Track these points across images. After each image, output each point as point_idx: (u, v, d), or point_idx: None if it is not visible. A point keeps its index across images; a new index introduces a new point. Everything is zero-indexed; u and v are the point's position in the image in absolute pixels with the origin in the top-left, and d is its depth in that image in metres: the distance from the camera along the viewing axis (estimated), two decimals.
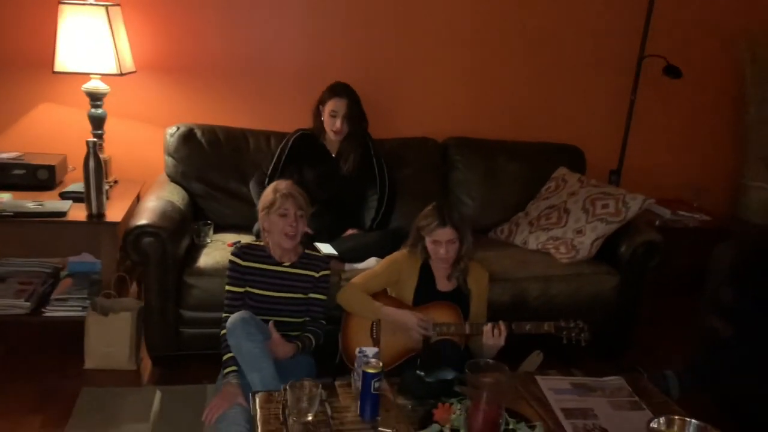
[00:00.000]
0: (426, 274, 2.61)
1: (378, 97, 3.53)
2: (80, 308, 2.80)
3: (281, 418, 1.82)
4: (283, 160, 3.11)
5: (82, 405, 2.45)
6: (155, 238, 2.60)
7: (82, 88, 3.06)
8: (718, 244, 2.71)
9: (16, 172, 2.99)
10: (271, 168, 3.11)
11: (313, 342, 2.48)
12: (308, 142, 3.14)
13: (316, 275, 2.55)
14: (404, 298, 2.60)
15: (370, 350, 1.97)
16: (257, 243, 2.55)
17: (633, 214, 3.06)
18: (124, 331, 2.68)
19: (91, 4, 2.93)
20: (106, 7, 2.93)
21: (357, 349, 1.97)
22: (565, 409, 1.98)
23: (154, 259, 2.61)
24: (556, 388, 2.11)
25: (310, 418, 1.82)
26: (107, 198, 2.96)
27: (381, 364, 1.86)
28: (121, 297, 2.80)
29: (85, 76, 3.04)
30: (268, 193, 2.48)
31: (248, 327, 2.26)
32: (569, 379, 2.17)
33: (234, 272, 2.49)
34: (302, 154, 3.13)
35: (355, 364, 1.94)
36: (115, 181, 3.23)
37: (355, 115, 3.06)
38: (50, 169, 3.01)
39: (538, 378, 2.15)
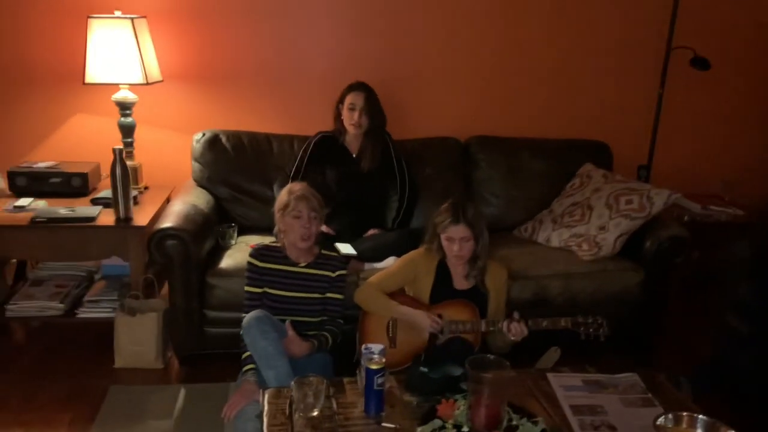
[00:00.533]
0: (443, 272, 2.61)
1: (401, 99, 3.57)
2: (111, 309, 2.91)
3: (287, 412, 1.86)
4: (305, 161, 3.18)
5: (110, 402, 2.55)
6: (178, 240, 2.68)
7: (112, 98, 3.18)
8: (736, 238, 2.63)
9: (53, 180, 3.13)
10: (293, 170, 3.17)
11: (330, 341, 2.51)
12: (329, 143, 3.19)
13: (333, 275, 2.59)
14: (421, 296, 2.61)
15: (376, 347, 1.99)
16: (275, 244, 2.61)
17: (658, 210, 3.00)
18: (150, 331, 2.78)
19: (117, 17, 3.05)
20: (132, 19, 3.04)
21: (363, 346, 2.00)
22: (574, 405, 1.96)
23: (177, 260, 2.70)
24: (567, 384, 2.08)
25: (315, 413, 1.86)
26: (137, 203, 3.09)
27: (384, 360, 1.88)
28: (149, 298, 2.89)
29: (115, 86, 3.16)
30: (283, 195, 2.54)
31: (263, 325, 2.32)
32: (581, 375, 2.14)
33: (252, 273, 2.55)
34: (323, 155, 3.18)
35: (361, 361, 1.97)
36: (146, 188, 3.35)
37: (373, 108, 3.11)
38: (83, 176, 3.14)
39: (549, 375, 2.13)
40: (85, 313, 2.94)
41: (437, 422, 1.77)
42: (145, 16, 3.20)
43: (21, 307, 2.91)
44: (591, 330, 2.41)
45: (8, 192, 3.11)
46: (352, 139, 3.17)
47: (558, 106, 3.68)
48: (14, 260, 3.29)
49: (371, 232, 3.11)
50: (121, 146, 2.85)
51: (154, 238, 2.68)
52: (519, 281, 2.87)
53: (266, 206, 3.23)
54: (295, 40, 3.44)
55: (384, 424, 1.83)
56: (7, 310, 2.91)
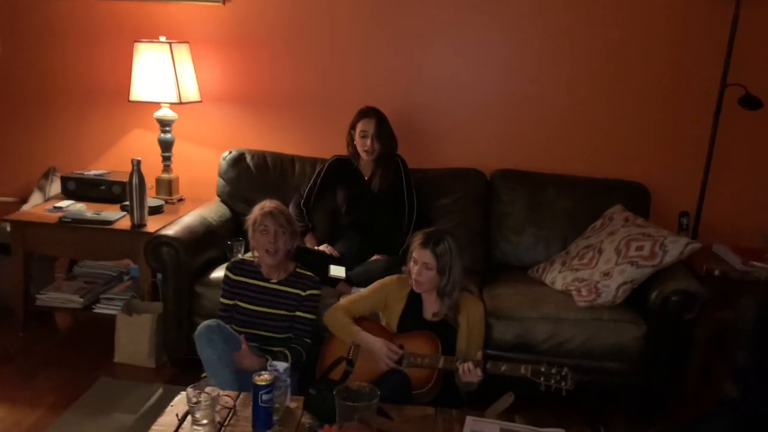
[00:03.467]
0: (414, 301, 2.56)
1: (426, 128, 3.57)
2: (120, 308, 3.14)
3: (179, 415, 1.92)
4: (318, 183, 3.26)
5: (92, 392, 2.76)
6: (171, 248, 2.86)
7: (153, 115, 3.47)
8: (742, 297, 2.30)
9: (97, 187, 3.47)
10: (306, 190, 3.27)
11: (290, 358, 2.54)
12: (343, 166, 3.25)
13: (303, 294, 2.62)
14: (390, 323, 2.58)
15: (281, 365, 2.00)
16: (251, 259, 2.69)
17: (672, 259, 2.72)
18: (144, 332, 2.97)
19: (159, 42, 3.34)
20: (171, 44, 3.32)
21: (268, 362, 2.01)
22: None
23: (170, 267, 2.88)
24: (480, 430, 1.95)
25: (205, 422, 1.90)
26: (162, 212, 3.34)
27: (271, 377, 1.88)
28: (154, 301, 3.09)
29: (157, 104, 3.45)
30: (254, 210, 2.62)
31: (211, 334, 2.40)
32: (503, 424, 2.00)
33: (226, 285, 2.66)
34: (337, 178, 3.25)
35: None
36: (180, 199, 3.60)
37: (385, 134, 3.12)
38: (122, 185, 3.44)
39: (469, 418, 2.01)
40: (99, 309, 3.21)
41: None
42: (187, 42, 3.47)
43: (48, 297, 3.24)
44: (552, 381, 2.23)
45: (61, 195, 3.50)
46: (365, 164, 3.21)
47: (598, 144, 3.46)
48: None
49: (376, 257, 3.11)
50: (139, 158, 3.08)
51: (150, 244, 2.87)
52: (502, 321, 2.73)
53: None
54: (324, 68, 3.56)
55: None
56: (37, 299, 3.24)
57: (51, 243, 3.17)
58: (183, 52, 3.41)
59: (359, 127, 3.12)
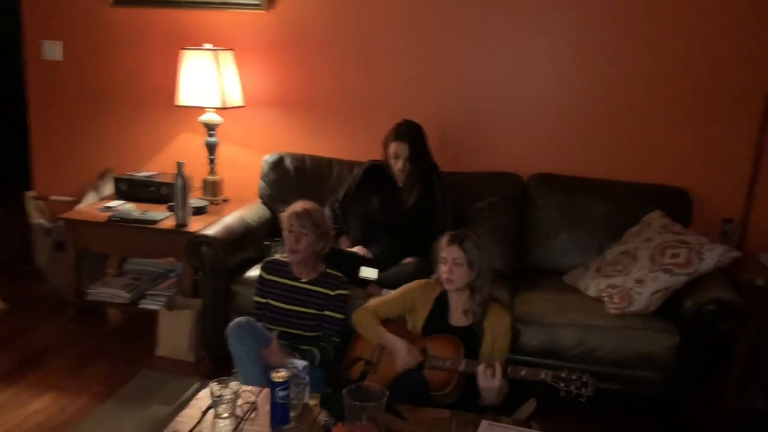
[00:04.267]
0: (441, 305, 2.59)
1: (465, 132, 3.58)
2: (163, 303, 3.28)
3: (202, 407, 2.01)
4: (353, 187, 3.31)
5: (134, 383, 2.90)
6: (210, 247, 2.97)
7: (199, 120, 3.61)
8: None
9: (147, 188, 3.63)
10: (342, 194, 3.33)
11: (317, 357, 2.60)
12: (378, 171, 3.29)
13: (331, 293, 2.68)
14: (416, 327, 2.61)
15: (300, 363, 2.07)
16: (285, 259, 2.77)
17: (708, 268, 2.65)
18: (184, 327, 3.09)
19: (204, 49, 3.47)
20: (215, 51, 3.44)
21: (288, 361, 2.08)
22: None
23: (208, 265, 2.99)
24: None
25: (226, 415, 1.98)
26: (205, 212, 3.47)
27: (288, 375, 1.95)
28: (195, 298, 3.21)
29: (203, 109, 3.58)
30: (286, 211, 2.70)
31: (240, 331, 2.49)
32: (519, 429, 2.00)
33: (259, 284, 2.75)
34: (371, 182, 3.29)
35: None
36: (225, 200, 3.73)
37: (418, 157, 3.12)
38: (170, 186, 3.57)
39: (484, 422, 2.02)
40: (145, 304, 3.36)
41: None
42: (232, 49, 3.59)
43: (98, 292, 3.42)
44: (572, 388, 2.22)
45: (114, 195, 3.68)
46: (401, 174, 3.24)
47: (635, 147, 3.39)
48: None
49: (408, 260, 3.15)
50: (183, 161, 3.22)
51: (190, 243, 2.99)
52: (529, 327, 2.72)
53: None
54: (363, 73, 3.62)
55: None
56: (87, 294, 3.42)
57: (101, 241, 3.34)
58: (227, 59, 3.53)
59: (392, 147, 3.12)
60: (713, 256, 2.65)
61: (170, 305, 3.14)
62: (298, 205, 2.68)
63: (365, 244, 3.23)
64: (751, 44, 3.15)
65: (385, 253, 3.16)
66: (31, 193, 3.97)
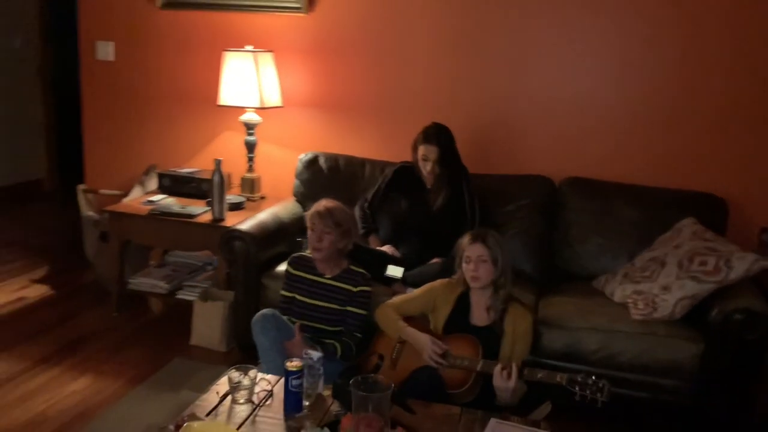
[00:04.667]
0: (462, 304, 2.62)
1: (497, 134, 3.60)
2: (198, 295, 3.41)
3: (219, 393, 2.10)
4: (382, 188, 3.37)
5: (166, 370, 3.03)
6: (242, 241, 3.08)
7: (239, 119, 3.73)
8: None
9: (188, 184, 3.78)
10: (372, 194, 3.39)
11: (338, 351, 2.67)
12: (408, 173, 3.33)
13: (354, 290, 2.75)
14: (437, 326, 2.65)
15: (315, 354, 2.13)
16: (310, 255, 2.85)
17: (737, 276, 2.60)
18: (217, 318, 3.21)
19: (245, 51, 3.59)
20: (255, 52, 3.56)
21: (304, 351, 2.15)
22: None
23: (240, 259, 3.10)
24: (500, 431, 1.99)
25: (242, 401, 2.07)
26: (242, 208, 3.58)
27: (301, 364, 2.02)
28: (228, 290, 3.33)
29: (243, 109, 3.70)
30: (311, 209, 2.78)
31: (265, 322, 2.59)
32: (526, 429, 2.02)
33: (286, 278, 2.84)
34: (401, 184, 3.34)
35: None
36: (262, 197, 3.84)
37: (447, 159, 3.16)
38: (209, 182, 3.70)
39: (493, 420, 2.05)
40: (182, 295, 3.50)
41: (315, 431, 1.85)
42: (272, 51, 3.70)
43: (139, 282, 3.57)
44: (588, 392, 2.21)
45: (157, 190, 3.84)
46: (430, 176, 3.27)
47: (670, 152, 3.35)
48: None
49: (435, 260, 3.18)
50: (220, 158, 3.34)
51: (224, 237, 3.11)
52: (551, 330, 2.72)
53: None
54: (399, 76, 3.68)
55: (288, 422, 1.96)
56: (129, 283, 3.58)
57: (142, 232, 3.50)
58: (267, 60, 3.64)
59: (421, 150, 3.16)
60: (743, 264, 2.59)
61: (204, 297, 3.26)
62: (321, 205, 2.75)
63: (394, 244, 3.28)
64: None
65: (413, 253, 3.20)
66: (82, 187, 4.17)
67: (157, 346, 3.26)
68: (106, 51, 4.16)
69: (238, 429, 1.94)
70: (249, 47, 3.64)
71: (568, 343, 2.71)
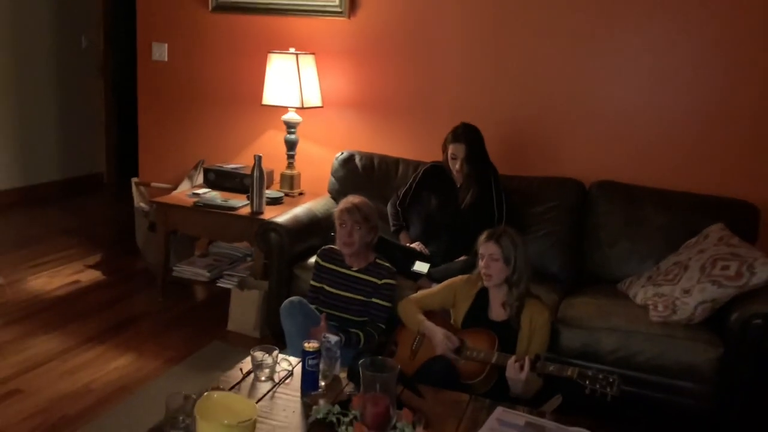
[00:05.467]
0: (481, 300, 2.71)
1: (528, 136, 3.67)
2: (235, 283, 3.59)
3: (243, 371, 2.25)
4: (413, 187, 3.48)
5: (203, 352, 3.22)
6: (277, 234, 3.24)
7: (281, 118, 3.91)
8: None
9: (232, 178, 3.97)
10: (402, 192, 3.50)
11: (362, 340, 2.79)
12: (438, 172, 3.43)
13: (379, 282, 2.87)
14: (457, 320, 2.74)
15: (333, 338, 2.26)
16: (339, 248, 2.98)
17: (760, 282, 2.60)
18: (252, 306, 3.38)
19: (288, 53, 3.76)
20: (297, 54, 3.73)
21: (323, 335, 2.28)
22: None
23: (275, 250, 3.26)
24: (506, 420, 2.07)
25: (263, 378, 2.21)
26: (281, 203, 3.75)
27: (318, 346, 2.15)
28: (264, 280, 3.49)
29: (285, 108, 3.87)
30: (338, 206, 2.91)
31: (292, 309, 2.74)
32: (530, 417, 2.09)
33: (316, 269, 2.99)
34: (431, 182, 3.44)
35: None
36: (301, 193, 4.00)
37: (475, 157, 3.24)
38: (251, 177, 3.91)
39: (499, 408, 2.13)
40: (222, 283, 3.68)
41: (325, 407, 1.97)
42: (313, 53, 3.86)
43: (182, 270, 3.78)
44: (597, 386, 2.27)
45: (203, 184, 4.05)
46: (458, 175, 3.36)
47: (703, 157, 3.35)
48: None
49: (462, 258, 3.27)
50: (260, 154, 3.52)
51: (260, 229, 3.27)
52: (570, 329, 2.78)
53: (381, 220, 3.61)
54: (434, 78, 3.79)
55: (303, 398, 2.10)
56: (174, 271, 3.80)
57: (186, 223, 3.71)
58: (308, 62, 3.80)
59: (450, 149, 3.26)
60: (766, 271, 2.59)
61: (241, 285, 3.44)
62: (349, 201, 2.88)
63: (424, 241, 3.38)
64: None
65: (441, 250, 3.30)
66: (135, 180, 4.43)
67: (196, 330, 3.45)
68: (161, 52, 4.41)
69: (257, 402, 2.08)
70: (292, 49, 3.81)
71: (586, 343, 2.75)
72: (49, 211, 5.49)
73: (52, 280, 3.99)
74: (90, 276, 4.12)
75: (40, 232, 4.92)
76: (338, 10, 3.88)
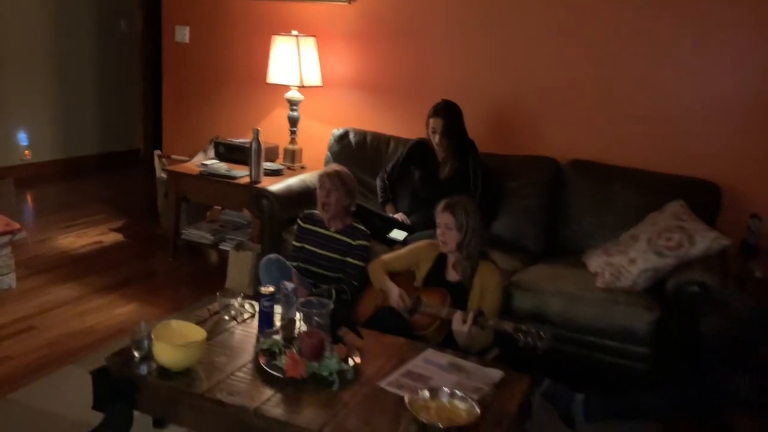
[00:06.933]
0: (440, 263, 2.96)
1: (510, 116, 3.87)
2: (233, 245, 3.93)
3: (210, 310, 2.57)
4: (400, 161, 3.74)
5: (199, 304, 3.50)
6: (268, 200, 3.56)
7: (285, 96, 4.21)
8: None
9: (240, 152, 4.30)
10: (390, 167, 3.76)
11: (333, 294, 3.06)
12: (423, 148, 3.68)
13: (353, 243, 3.15)
14: (419, 280, 3.00)
15: (290, 285, 2.55)
16: (318, 211, 3.27)
17: (698, 252, 2.77)
18: (246, 265, 3.70)
19: (289, 36, 4.06)
20: (297, 37, 4.02)
21: (281, 282, 2.58)
22: (411, 372, 2.22)
23: (267, 215, 3.58)
24: (431, 359, 2.32)
25: (227, 318, 2.53)
26: (281, 175, 4.06)
27: (273, 290, 2.44)
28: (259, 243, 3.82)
29: (287, 87, 4.18)
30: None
31: (270, 265, 3.07)
32: (453, 358, 2.34)
33: (297, 231, 3.29)
34: (416, 157, 3.69)
35: None
36: (302, 167, 4.31)
37: (452, 132, 3.47)
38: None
39: (429, 349, 2.39)
40: (224, 246, 4.04)
41: (272, 341, 2.27)
42: (314, 36, 4.15)
43: (189, 233, 4.16)
44: (529, 339, 2.50)
45: (214, 157, 4.40)
46: (439, 148, 3.60)
47: (674, 140, 3.49)
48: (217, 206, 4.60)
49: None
50: (258, 128, 3.84)
51: (253, 195, 3.59)
52: (521, 292, 3.00)
53: (370, 193, 3.88)
54: (427, 60, 4.04)
55: (260, 337, 2.40)
56: (182, 234, 4.17)
57: (194, 190, 4.07)
58: (309, 44, 4.09)
59: (430, 123, 3.49)
60: (704, 242, 2.76)
61: (238, 247, 3.77)
62: (330, 167, 3.18)
63: (409, 212, 3.64)
64: None
65: (423, 221, 3.55)
66: (157, 152, 4.83)
67: (197, 287, 3.81)
68: (183, 34, 4.78)
69: (218, 336, 2.39)
70: (294, 32, 4.11)
71: (535, 305, 2.96)
72: (86, 182, 5.97)
73: (78, 239, 4.43)
74: (112, 238, 4.54)
75: (76, 200, 5.39)
76: None
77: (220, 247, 4.06)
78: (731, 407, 2.22)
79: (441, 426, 1.80)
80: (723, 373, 2.34)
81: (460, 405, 1.91)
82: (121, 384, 2.10)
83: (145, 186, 5.89)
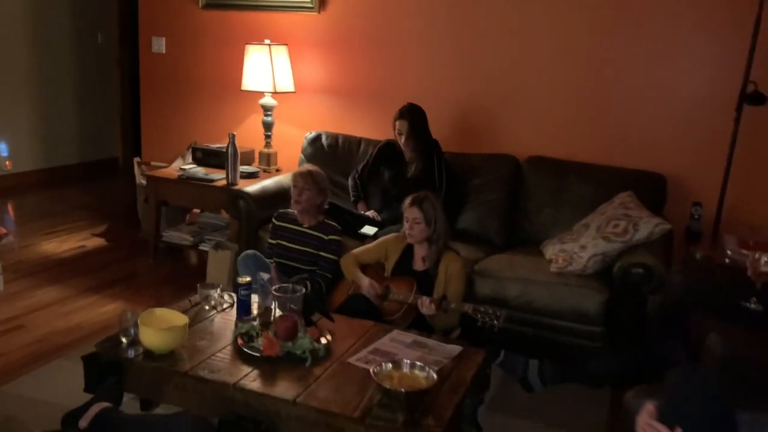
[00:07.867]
0: (407, 254, 3.17)
1: (473, 117, 4.11)
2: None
3: (192, 300, 2.76)
4: (370, 161, 3.95)
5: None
6: (245, 201, 3.75)
7: (259, 102, 4.41)
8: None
9: (217, 156, 4.48)
10: (361, 167, 3.98)
11: (308, 286, 3.26)
12: (391, 149, 3.90)
13: (325, 237, 3.35)
14: (388, 270, 3.21)
15: (266, 276, 2.75)
16: (292, 210, 3.46)
17: (642, 237, 3.02)
18: (225, 264, 3.88)
19: (262, 44, 4.26)
20: (269, 45, 4.22)
21: (259, 273, 2.78)
22: (378, 349, 2.43)
23: (243, 215, 3.77)
24: (397, 338, 2.54)
25: (207, 308, 2.72)
26: (257, 177, 4.25)
27: (250, 280, 2.64)
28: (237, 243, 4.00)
29: (261, 93, 4.38)
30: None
31: (247, 260, 3.27)
32: (417, 337, 2.55)
33: (272, 229, 3.48)
34: (385, 158, 3.90)
35: None
36: (278, 169, 4.50)
37: (417, 133, 3.69)
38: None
39: (395, 330, 2.60)
40: (203, 246, 4.21)
41: (249, 325, 2.46)
42: (286, 44, 4.36)
43: (170, 235, 4.33)
44: (487, 318, 2.74)
45: (192, 162, 4.58)
46: (405, 149, 3.82)
47: (626, 136, 3.75)
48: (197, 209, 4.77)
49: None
50: (234, 133, 4.03)
51: (230, 196, 3.78)
52: (482, 278, 3.22)
53: (343, 192, 4.09)
54: (395, 67, 4.26)
55: (237, 322, 2.59)
56: (162, 236, 4.34)
57: (173, 194, 4.25)
58: (281, 52, 4.29)
59: (396, 125, 3.71)
60: (647, 227, 3.00)
61: (216, 247, 3.95)
62: (303, 167, 3.39)
63: (380, 210, 3.85)
64: (730, 40, 3.42)
65: (392, 217, 3.76)
66: (137, 159, 4.99)
67: (178, 286, 3.97)
68: (160, 45, 4.95)
69: (199, 323, 2.58)
70: (267, 41, 4.31)
71: (494, 290, 3.19)
72: (67, 191, 6.10)
73: (61, 244, 4.57)
74: (95, 242, 4.69)
75: (58, 208, 5.52)
76: (309, 5, 4.36)
77: (200, 247, 4.24)
78: (669, 369, 2.45)
79: (403, 390, 2.00)
80: (662, 340, 2.57)
81: (420, 373, 2.12)
82: (110, 365, 2.28)
83: (125, 192, 6.04)
